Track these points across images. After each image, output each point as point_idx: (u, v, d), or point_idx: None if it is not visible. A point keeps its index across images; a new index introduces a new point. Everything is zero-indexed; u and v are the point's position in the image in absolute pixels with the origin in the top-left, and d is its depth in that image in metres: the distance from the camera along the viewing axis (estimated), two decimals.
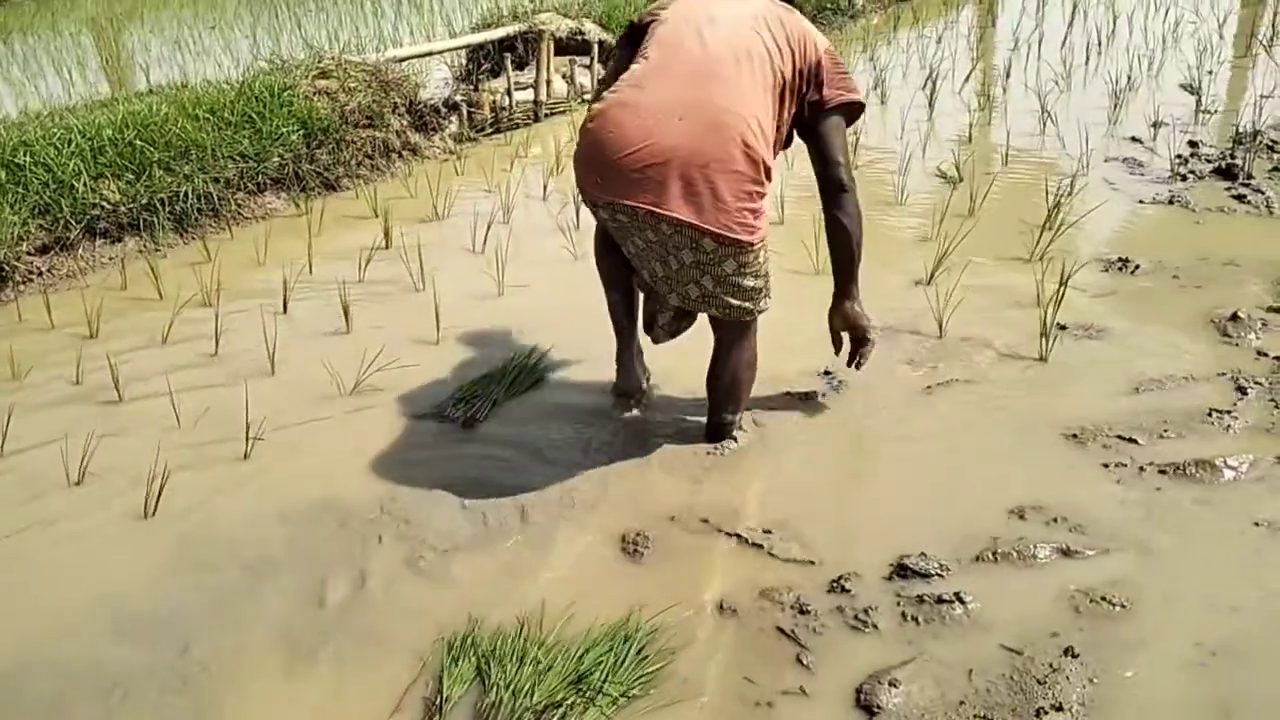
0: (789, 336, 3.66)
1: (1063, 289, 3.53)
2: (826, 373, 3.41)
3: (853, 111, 2.88)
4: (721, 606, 2.38)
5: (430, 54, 7.52)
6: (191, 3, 13.31)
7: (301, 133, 6.08)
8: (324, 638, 2.35)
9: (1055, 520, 2.57)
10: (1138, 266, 4.03)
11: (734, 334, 2.85)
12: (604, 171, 2.59)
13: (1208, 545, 2.45)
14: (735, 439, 3.02)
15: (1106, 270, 4.06)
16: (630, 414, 3.23)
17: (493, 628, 2.32)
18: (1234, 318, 3.49)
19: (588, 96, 8.10)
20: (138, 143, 5.36)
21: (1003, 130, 5.94)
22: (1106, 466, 2.77)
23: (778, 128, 2.75)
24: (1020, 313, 3.68)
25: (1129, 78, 6.82)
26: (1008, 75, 7.27)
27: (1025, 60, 7.78)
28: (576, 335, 3.69)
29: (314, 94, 6.44)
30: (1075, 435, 2.92)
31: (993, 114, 6.52)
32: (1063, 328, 3.56)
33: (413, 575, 2.54)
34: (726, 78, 2.59)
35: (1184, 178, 5.06)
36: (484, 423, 3.26)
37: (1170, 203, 4.75)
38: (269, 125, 5.92)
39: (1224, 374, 3.17)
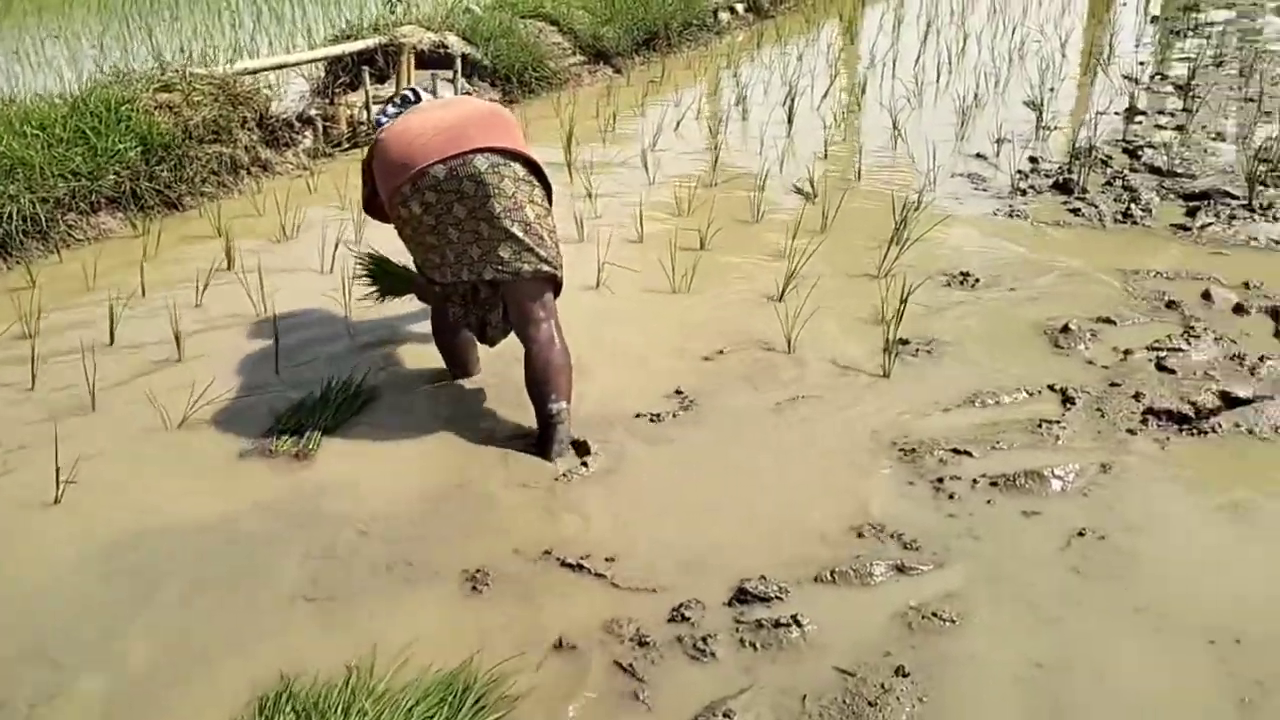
0: (639, 358, 3.65)
1: (903, 306, 3.59)
2: (678, 392, 3.39)
3: None
4: (562, 643, 2.31)
5: (284, 66, 7.27)
6: (36, 11, 12.57)
7: (140, 149, 5.76)
8: (124, 703, 2.18)
9: (892, 537, 2.60)
10: (978, 280, 4.15)
11: (540, 317, 3.09)
12: (408, 154, 2.99)
13: (1034, 557, 2.52)
14: (586, 465, 2.97)
15: (949, 284, 4.17)
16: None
17: (320, 677, 2.20)
18: (1065, 329, 3.62)
19: None
20: None
21: (857, 146, 6.09)
22: (941, 480, 2.82)
23: None
24: (866, 328, 3.74)
25: (976, 95, 7.09)
26: (863, 92, 7.47)
27: (880, 78, 8.01)
28: (419, 352, 3.62)
29: (155, 108, 6.13)
30: (913, 450, 2.96)
31: (848, 131, 6.67)
32: (904, 343, 3.63)
33: (231, 627, 2.39)
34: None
35: (1024, 192, 5.26)
36: (317, 450, 3.12)
37: (1010, 216, 4.93)
38: (104, 141, 5.59)
39: (1054, 385, 3.28)
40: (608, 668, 2.24)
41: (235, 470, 3.06)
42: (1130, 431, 3.00)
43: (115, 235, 5.34)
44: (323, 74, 7.84)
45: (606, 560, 2.57)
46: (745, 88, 7.74)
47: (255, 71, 6.87)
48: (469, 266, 3.05)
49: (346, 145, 7.00)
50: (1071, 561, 2.48)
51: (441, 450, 3.13)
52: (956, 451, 2.94)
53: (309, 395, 3.42)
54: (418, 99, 3.49)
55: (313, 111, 7.05)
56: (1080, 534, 2.57)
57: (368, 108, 7.15)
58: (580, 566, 2.55)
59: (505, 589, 2.50)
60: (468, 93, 3.98)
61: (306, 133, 6.91)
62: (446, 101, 3.37)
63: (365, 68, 7.37)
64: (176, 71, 6.44)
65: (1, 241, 4.95)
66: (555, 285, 3.16)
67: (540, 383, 3.04)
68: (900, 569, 2.47)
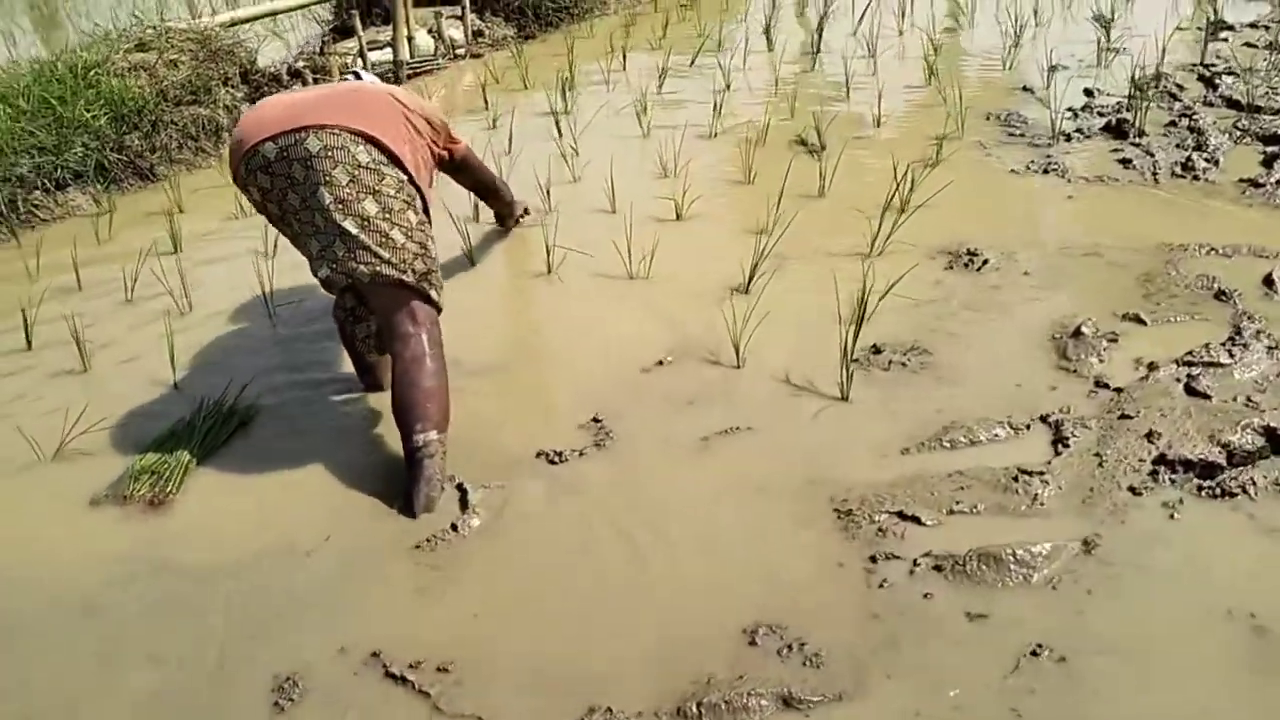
0: (567, 370, 3.14)
1: (860, 310, 2.94)
2: (595, 420, 2.86)
3: None
4: None
5: (272, 14, 6.80)
6: None
7: (110, 117, 5.41)
8: None
9: (792, 647, 2.04)
10: (985, 262, 3.45)
11: (406, 331, 2.66)
12: (244, 130, 2.62)
13: (968, 686, 1.92)
14: (456, 528, 2.48)
15: (951, 267, 3.48)
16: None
17: None
18: (1078, 334, 2.93)
19: (460, 52, 7.40)
20: None
21: (882, 82, 5.31)
22: (875, 560, 2.23)
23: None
24: (835, 331, 3.09)
25: (1036, 9, 6.15)
26: (903, 15, 6.58)
27: None
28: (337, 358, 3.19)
29: (128, 70, 5.75)
30: (851, 513, 2.38)
31: (876, 63, 5.86)
32: (877, 351, 3.00)
33: None
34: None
35: (1069, 137, 4.45)
36: (176, 493, 2.72)
37: (1045, 172, 4.15)
38: (71, 111, 5.25)
39: (1048, 416, 2.63)
40: None
41: (79, 523, 2.68)
42: (1133, 490, 2.34)
43: (83, 212, 5.01)
44: (330, 18, 7.39)
45: (439, 670, 2.09)
46: (777, 11, 6.94)
47: (239, 23, 6.43)
48: (312, 261, 2.71)
49: None
50: (1012, 699, 1.88)
51: (302, 498, 2.67)
52: (903, 516, 2.34)
53: (179, 422, 3.01)
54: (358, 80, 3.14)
55: (300, 64, 6.59)
56: (1034, 652, 1.96)
57: (362, 55, 6.65)
58: (404, 679, 2.08)
59: (310, 708, 2.06)
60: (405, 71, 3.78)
61: (295, 87, 6.44)
62: (345, 84, 2.97)
63: (355, 11, 6.85)
64: (153, 28, 6.06)
65: None
66: (422, 295, 2.69)
67: (405, 409, 2.58)
68: (788, 701, 1.92)
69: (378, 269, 2.59)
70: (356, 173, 2.57)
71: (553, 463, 2.70)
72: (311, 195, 2.57)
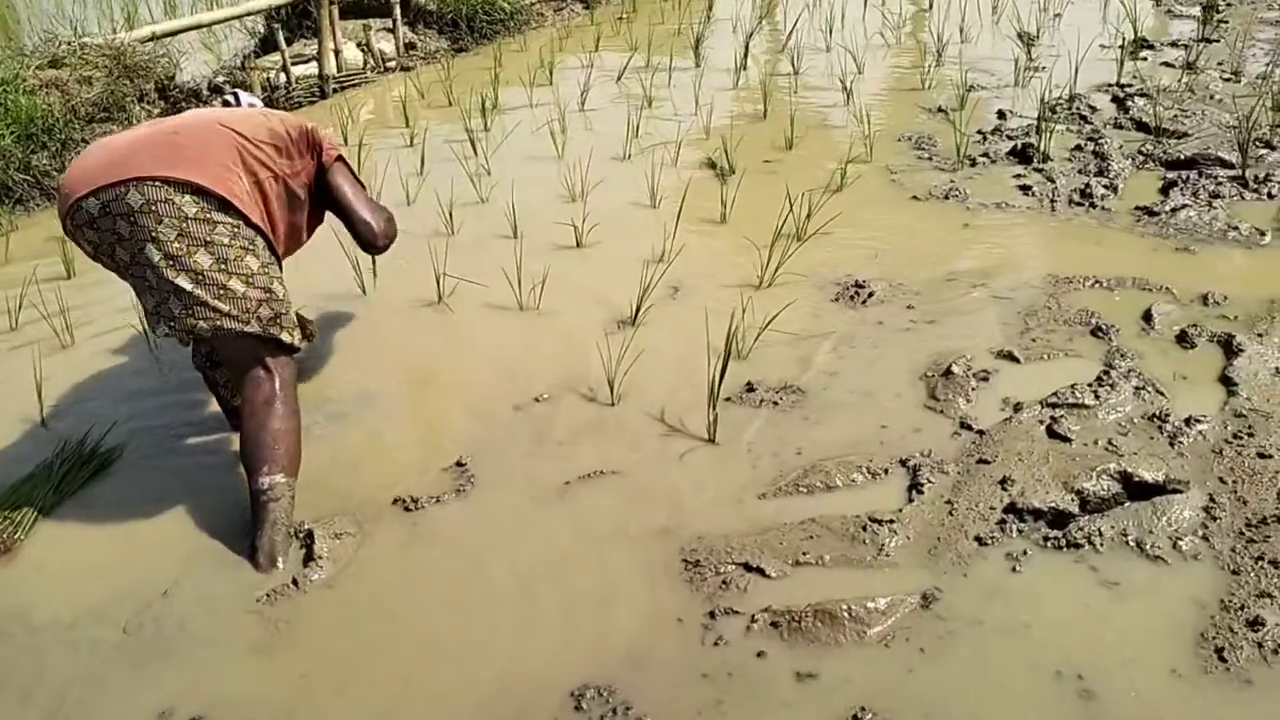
0: (439, 405, 3.10)
1: (728, 346, 2.90)
2: (459, 464, 2.80)
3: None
4: None
5: (193, 28, 6.67)
6: None
7: (17, 135, 5.30)
8: None
9: (614, 713, 1.99)
10: (871, 294, 3.42)
11: (257, 375, 2.57)
12: (69, 181, 2.47)
13: None
14: (296, 583, 2.41)
15: (838, 299, 3.45)
16: None
17: None
18: (948, 373, 2.90)
19: (390, 65, 7.31)
20: None
21: (797, 103, 5.28)
22: (714, 615, 2.19)
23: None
24: (710, 364, 3.04)
25: (963, 27, 6.15)
26: (830, 32, 6.56)
27: (862, 7, 7.07)
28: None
29: (40, 87, 5.63)
30: (698, 563, 2.33)
31: (797, 81, 5.83)
32: (751, 390, 2.96)
33: None
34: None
35: (973, 162, 4.44)
36: (24, 539, 2.64)
37: (946, 198, 4.13)
38: None
39: (908, 460, 2.59)
40: None
41: None
42: (979, 540, 2.31)
43: None
44: (263, 30, 7.26)
45: None
46: (711, 24, 6.90)
47: (159, 37, 6.29)
48: (148, 316, 2.58)
49: None
50: None
51: (151, 545, 2.58)
52: (748, 568, 2.30)
53: (40, 464, 2.93)
54: (237, 104, 3.05)
55: (220, 79, 6.48)
56: (856, 716, 1.92)
57: (285, 69, 6.55)
58: None
59: None
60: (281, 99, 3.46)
61: (215, 102, 6.33)
62: (181, 116, 2.79)
63: (277, 25, 6.74)
64: (67, 44, 5.94)
65: None
66: (270, 340, 2.58)
67: (251, 451, 2.50)
68: None
69: (218, 323, 2.48)
70: (184, 225, 2.42)
71: (408, 509, 2.63)
72: (140, 252, 2.44)
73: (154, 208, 2.39)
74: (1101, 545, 2.26)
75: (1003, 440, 2.62)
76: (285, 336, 2.59)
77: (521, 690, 2.07)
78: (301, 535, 2.52)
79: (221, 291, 2.46)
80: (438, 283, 3.70)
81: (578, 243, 4.05)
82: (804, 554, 2.32)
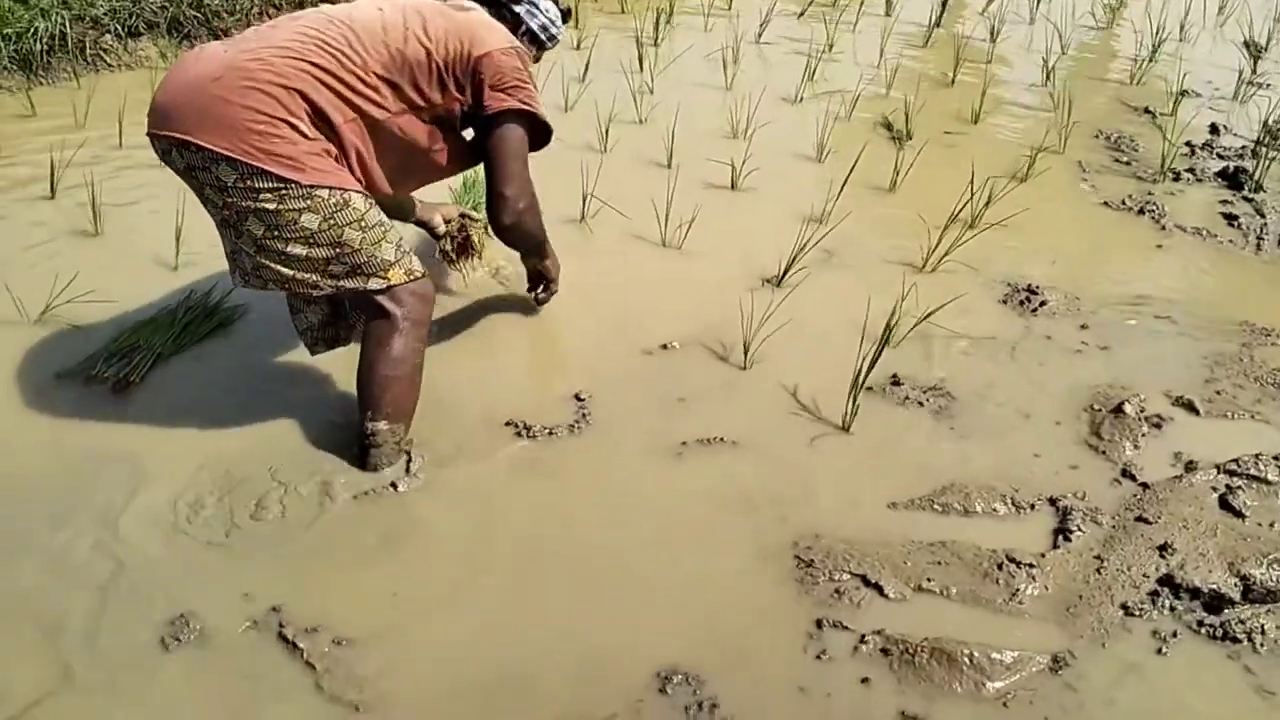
0: (570, 334, 2.98)
1: (883, 342, 2.68)
2: (577, 398, 2.68)
3: (524, 123, 2.50)
4: None
5: None
6: None
7: None
8: None
9: (700, 707, 1.86)
10: (1044, 303, 3.14)
11: (369, 321, 2.41)
12: (152, 112, 2.24)
13: None
14: (395, 486, 2.34)
15: (1005, 301, 3.18)
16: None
17: None
18: (1119, 410, 2.64)
19: None
20: None
21: (994, 74, 4.89)
22: (820, 626, 2.03)
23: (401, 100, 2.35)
24: (861, 346, 2.82)
25: (1184, 22, 5.60)
26: (1037, 1, 6.06)
27: None
28: None
29: None
30: (812, 564, 2.17)
31: (994, 49, 5.40)
32: (896, 383, 2.75)
33: None
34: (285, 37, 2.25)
35: (1178, 176, 4.03)
36: (140, 383, 2.64)
37: (1141, 211, 3.76)
38: None
39: (1059, 500, 2.36)
40: None
41: (43, 393, 2.62)
42: (1126, 608, 2.09)
43: (148, 64, 4.95)
44: None
45: (335, 643, 1.97)
46: None
47: None
48: (228, 259, 2.40)
49: None
50: None
51: (257, 415, 2.55)
52: (866, 582, 2.13)
53: (163, 309, 2.92)
54: None
55: None
56: None
57: None
58: (295, 645, 1.97)
59: (194, 654, 1.95)
60: None
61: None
62: (305, 19, 2.31)
63: None
64: None
65: (25, 59, 4.65)
66: (356, 293, 2.36)
67: (360, 392, 2.39)
68: None
69: (287, 286, 2.29)
70: (227, 195, 2.17)
71: (519, 435, 2.53)
72: (204, 201, 2.28)
73: (195, 174, 2.19)
74: (1262, 644, 2.02)
75: (1168, 500, 2.36)
76: (374, 283, 2.32)
77: (608, 655, 1.97)
78: (408, 445, 2.44)
79: (283, 256, 2.24)
80: (583, 202, 3.55)
81: (733, 184, 3.84)
82: (929, 580, 2.13)
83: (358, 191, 2.27)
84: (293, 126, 2.16)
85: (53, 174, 3.56)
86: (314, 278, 2.29)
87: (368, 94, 2.26)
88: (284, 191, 2.16)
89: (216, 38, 5.38)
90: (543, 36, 2.69)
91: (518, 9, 2.63)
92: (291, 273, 2.26)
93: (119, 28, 5.00)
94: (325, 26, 2.27)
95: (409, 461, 2.41)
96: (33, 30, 4.67)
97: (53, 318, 2.89)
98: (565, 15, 2.74)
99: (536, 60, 2.72)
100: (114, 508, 2.26)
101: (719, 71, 4.94)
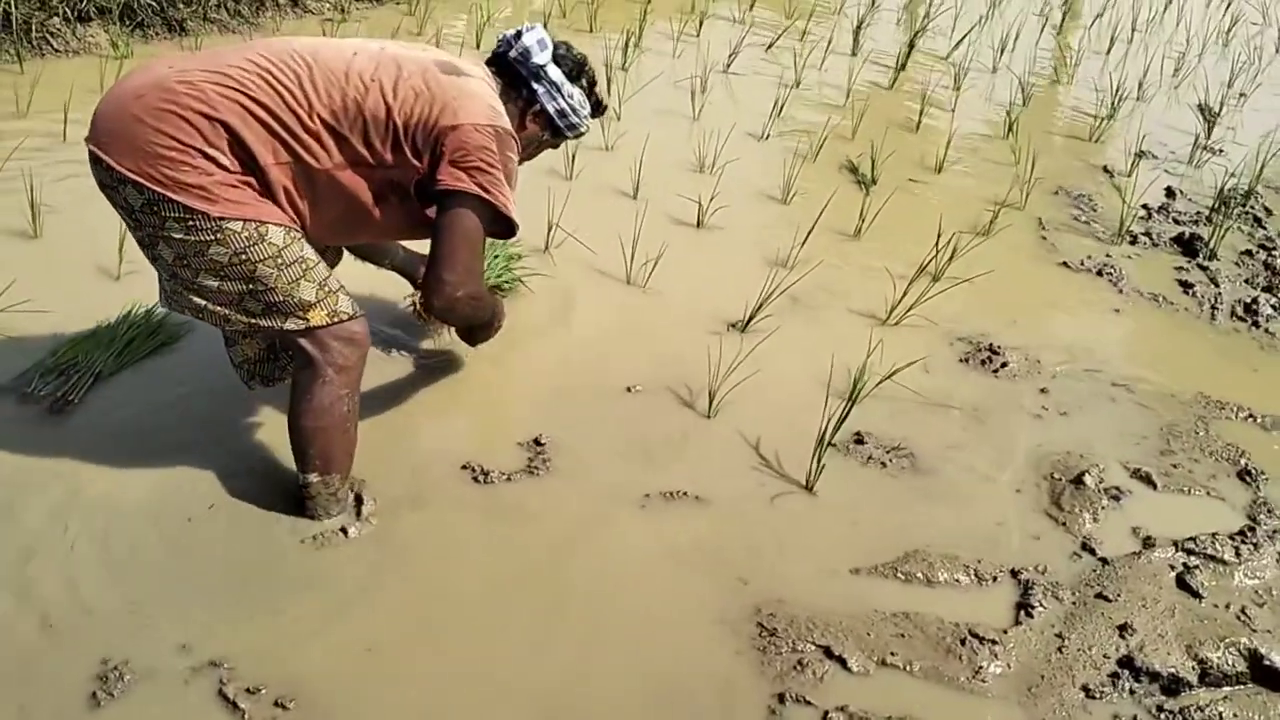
0: (527, 374, 2.88)
1: (850, 404, 2.66)
2: (536, 442, 2.61)
3: (483, 210, 2.20)
4: None
5: None
6: None
7: None
8: None
9: None
10: (1005, 364, 3.15)
11: (295, 366, 2.23)
12: (93, 120, 2.08)
13: None
14: (345, 532, 2.24)
15: (967, 360, 3.18)
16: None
17: None
18: (1079, 481, 2.64)
19: None
20: None
21: (958, 123, 4.94)
22: (782, 700, 1.98)
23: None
24: (822, 404, 2.79)
25: (1142, 82, 5.73)
26: (1000, 51, 6.15)
27: (1038, 33, 6.64)
28: None
29: None
30: (775, 632, 2.12)
31: (958, 98, 5.45)
32: (860, 441, 2.73)
33: None
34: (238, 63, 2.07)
35: (1135, 239, 4.10)
36: (78, 403, 2.50)
37: (1099, 273, 3.81)
38: None
39: (1020, 573, 2.35)
40: None
41: None
42: (1086, 690, 2.08)
43: (97, 51, 4.75)
44: None
45: (277, 705, 1.87)
46: (877, 9, 6.50)
47: None
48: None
49: None
50: None
51: (200, 445, 2.43)
52: (829, 654, 2.08)
53: (102, 322, 2.77)
54: (514, 39, 2.36)
55: None
56: None
57: None
58: (237, 706, 1.86)
59: (125, 708, 1.84)
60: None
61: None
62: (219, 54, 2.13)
63: None
64: None
65: None
66: (275, 331, 2.17)
67: (291, 441, 2.26)
68: None
69: (201, 316, 2.14)
70: (137, 217, 2.03)
71: (476, 480, 2.45)
72: (122, 218, 2.13)
73: (106, 191, 2.06)
74: None
75: (1127, 578, 2.37)
76: (291, 324, 2.12)
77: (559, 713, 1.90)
78: (357, 487, 2.34)
79: (195, 286, 2.09)
80: (548, 231, 3.48)
81: (699, 222, 3.80)
82: (892, 653, 2.10)
83: (278, 225, 2.07)
84: (208, 157, 1.98)
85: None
86: (226, 311, 2.12)
87: (305, 139, 2.06)
88: (190, 222, 1.99)
89: (170, 28, 5.21)
90: (560, 123, 2.41)
91: (536, 87, 2.36)
92: (204, 303, 2.11)
93: (68, 11, 4.81)
94: (281, 60, 2.09)
95: (359, 504, 2.31)
96: None
97: None
98: (598, 108, 2.50)
99: (555, 147, 2.56)
100: (44, 541, 2.13)
101: (687, 100, 4.91)
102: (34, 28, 4.68)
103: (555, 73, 2.36)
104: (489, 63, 2.39)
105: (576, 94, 2.41)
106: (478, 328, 2.66)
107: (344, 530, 2.24)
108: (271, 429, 2.52)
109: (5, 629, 1.93)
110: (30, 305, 2.76)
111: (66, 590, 2.03)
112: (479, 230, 2.20)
